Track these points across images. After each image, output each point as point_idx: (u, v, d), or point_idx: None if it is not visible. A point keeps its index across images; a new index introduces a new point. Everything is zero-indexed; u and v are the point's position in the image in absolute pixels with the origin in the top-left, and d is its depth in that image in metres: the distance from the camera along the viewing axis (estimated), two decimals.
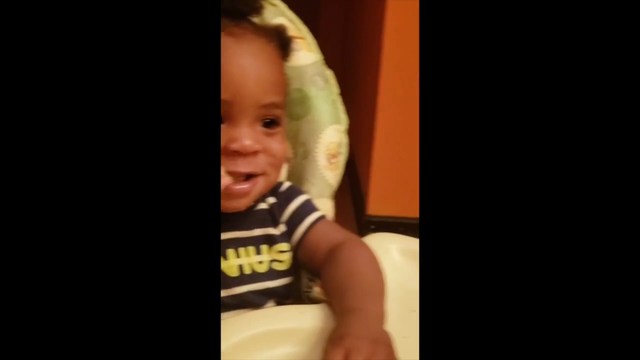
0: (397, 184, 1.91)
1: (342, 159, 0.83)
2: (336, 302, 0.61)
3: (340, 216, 2.17)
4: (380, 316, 0.60)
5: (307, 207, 0.72)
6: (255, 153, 0.67)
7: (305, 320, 0.61)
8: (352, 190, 2.14)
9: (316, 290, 0.73)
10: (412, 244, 0.74)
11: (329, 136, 0.81)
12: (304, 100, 0.81)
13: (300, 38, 0.82)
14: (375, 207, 1.91)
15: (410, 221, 1.90)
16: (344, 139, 0.83)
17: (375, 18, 1.98)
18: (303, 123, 0.81)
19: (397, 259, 0.72)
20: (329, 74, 0.84)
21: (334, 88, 0.83)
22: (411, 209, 1.91)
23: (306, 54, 0.82)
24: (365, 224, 1.90)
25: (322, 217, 0.71)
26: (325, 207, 0.80)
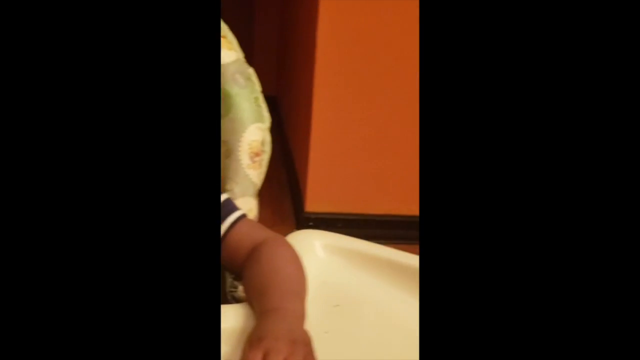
0: (333, 181, 1.92)
1: (265, 158, 0.82)
2: (256, 302, 0.61)
3: (280, 213, 2.17)
4: (300, 315, 0.60)
5: (228, 207, 0.71)
6: None
7: (227, 320, 0.61)
8: (290, 187, 2.14)
9: (241, 290, 0.73)
10: (336, 240, 0.74)
11: (252, 134, 0.81)
12: (225, 98, 0.80)
13: (221, 37, 0.82)
14: (313, 204, 1.92)
15: (347, 217, 1.91)
16: (267, 137, 0.83)
17: (308, 19, 1.98)
18: (225, 122, 0.81)
19: (321, 255, 0.73)
20: (251, 72, 0.84)
21: (256, 86, 0.83)
22: (348, 205, 1.93)
23: (227, 52, 0.82)
24: (304, 221, 1.91)
25: (243, 216, 0.71)
26: (249, 205, 0.80)
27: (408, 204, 1.89)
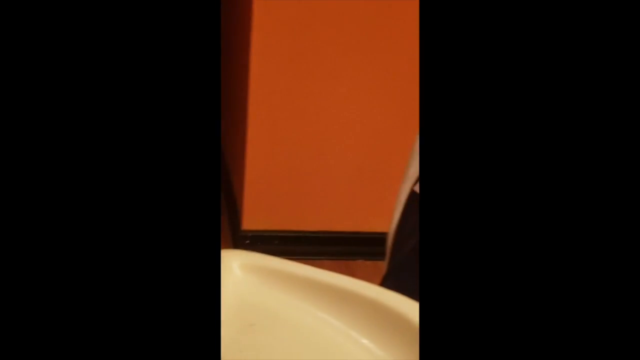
0: (269, 198, 1.93)
1: None
2: None
3: None
4: None
5: None
6: None
7: None
8: (227, 206, 2.14)
9: None
10: (254, 259, 0.75)
11: None
12: None
13: None
14: (250, 221, 1.92)
15: (284, 234, 1.92)
16: None
17: (242, 37, 1.99)
18: None
19: (238, 275, 0.73)
20: None
21: None
22: (285, 222, 1.93)
23: None
24: (241, 239, 1.91)
25: None
26: None
27: (343, 221, 1.91)
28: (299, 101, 1.88)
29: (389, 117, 1.89)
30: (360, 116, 1.90)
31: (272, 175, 1.91)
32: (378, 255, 1.42)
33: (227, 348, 0.59)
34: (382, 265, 1.17)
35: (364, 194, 1.90)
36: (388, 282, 0.93)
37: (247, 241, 1.89)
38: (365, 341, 0.65)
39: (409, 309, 0.64)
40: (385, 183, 1.90)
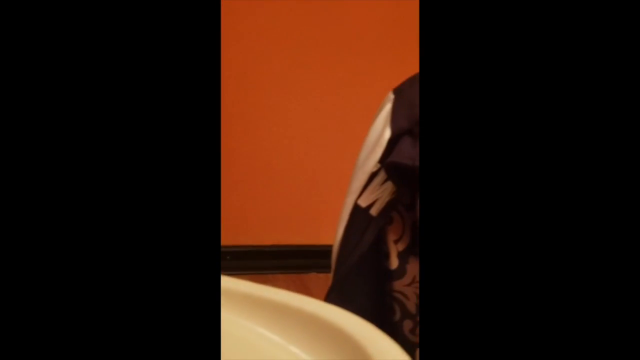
0: (222, 214, 1.92)
1: None
2: None
3: None
4: None
5: None
6: None
7: None
8: None
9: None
10: None
11: None
12: None
13: None
14: None
15: (236, 249, 1.92)
16: None
17: None
18: None
19: None
20: None
21: None
22: (236, 237, 1.93)
23: None
24: None
25: None
26: None
27: (295, 234, 1.91)
28: (250, 116, 1.89)
29: (339, 131, 1.90)
30: (312, 130, 1.91)
31: (222, 190, 1.90)
32: (330, 267, 1.43)
33: None
34: None
35: (316, 208, 1.91)
36: (333, 294, 0.93)
37: None
38: (305, 357, 0.65)
39: (349, 322, 0.64)
40: (337, 196, 1.90)
